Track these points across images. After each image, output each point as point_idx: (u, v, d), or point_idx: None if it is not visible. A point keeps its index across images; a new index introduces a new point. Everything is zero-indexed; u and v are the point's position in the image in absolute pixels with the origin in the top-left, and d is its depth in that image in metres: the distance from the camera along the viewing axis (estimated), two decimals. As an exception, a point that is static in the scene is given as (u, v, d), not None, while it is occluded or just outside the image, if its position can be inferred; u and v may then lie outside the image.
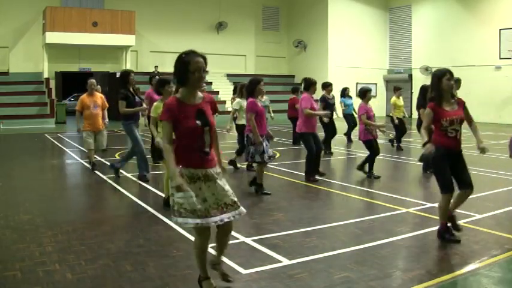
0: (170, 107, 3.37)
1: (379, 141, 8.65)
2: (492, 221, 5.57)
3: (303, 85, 8.44)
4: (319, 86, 9.35)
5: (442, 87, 4.71)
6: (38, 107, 22.53)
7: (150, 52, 26.08)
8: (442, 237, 4.83)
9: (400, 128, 12.37)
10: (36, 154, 12.73)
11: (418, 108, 8.44)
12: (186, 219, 3.38)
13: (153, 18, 25.74)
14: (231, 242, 4.11)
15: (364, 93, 8.29)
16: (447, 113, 4.70)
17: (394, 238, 4.94)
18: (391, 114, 12.60)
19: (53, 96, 23.66)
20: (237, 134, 10.02)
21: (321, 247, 4.67)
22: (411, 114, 23.73)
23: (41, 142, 15.18)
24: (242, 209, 3.53)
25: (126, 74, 8.17)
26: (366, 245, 4.71)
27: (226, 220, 3.43)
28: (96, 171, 8.96)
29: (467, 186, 4.78)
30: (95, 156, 9.45)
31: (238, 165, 9.34)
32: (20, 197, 7.16)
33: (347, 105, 13.89)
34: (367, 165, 8.40)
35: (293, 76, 29.85)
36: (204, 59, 3.40)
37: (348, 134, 14.14)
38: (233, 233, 4.14)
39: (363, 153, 10.74)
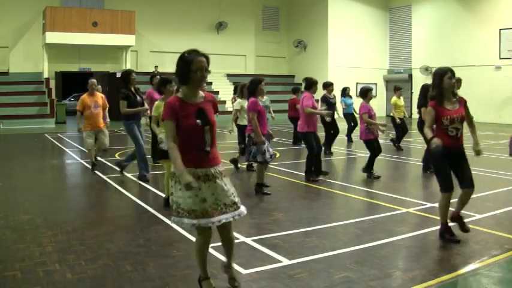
0: (172, 105, 3.36)
1: (380, 140, 8.64)
2: (492, 221, 5.57)
3: (304, 84, 8.45)
4: (320, 86, 9.35)
5: (443, 85, 4.71)
6: (38, 107, 22.54)
7: (150, 52, 26.10)
8: (442, 237, 4.83)
9: (402, 128, 12.39)
10: (36, 154, 12.73)
11: (419, 107, 8.44)
12: (182, 219, 3.38)
13: (153, 18, 25.74)
14: (231, 242, 4.10)
15: (366, 93, 8.29)
16: (448, 112, 4.70)
17: (394, 238, 4.94)
18: (391, 114, 12.61)
19: (53, 96, 23.67)
20: (237, 134, 10.02)
21: (321, 247, 4.67)
22: (411, 114, 23.73)
23: (41, 142, 15.18)
24: (242, 210, 3.50)
25: (127, 73, 8.17)
26: (366, 245, 4.71)
27: (224, 221, 3.40)
28: (96, 171, 8.96)
29: (467, 185, 4.78)
30: (97, 157, 9.45)
31: (239, 165, 9.34)
32: (20, 197, 7.17)
33: (347, 105, 13.90)
34: (374, 170, 8.41)
35: (293, 76, 29.86)
36: (207, 58, 3.40)
37: (348, 134, 14.14)
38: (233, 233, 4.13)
39: (363, 153, 10.74)
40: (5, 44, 23.46)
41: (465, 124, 4.86)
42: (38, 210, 6.29)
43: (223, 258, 4.17)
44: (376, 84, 27.94)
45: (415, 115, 10.96)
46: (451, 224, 4.90)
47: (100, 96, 9.24)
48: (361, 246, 4.69)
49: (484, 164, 9.33)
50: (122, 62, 25.16)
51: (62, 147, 13.57)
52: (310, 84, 8.21)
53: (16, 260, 4.31)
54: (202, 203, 3.35)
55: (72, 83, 28.31)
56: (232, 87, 14.83)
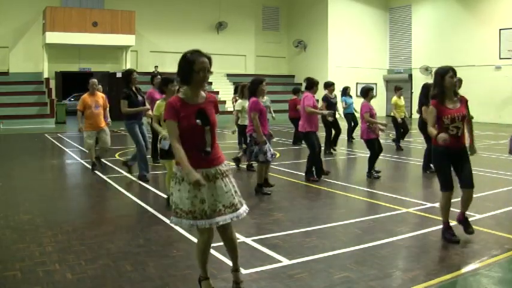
0: (173, 106, 3.35)
1: (382, 141, 8.64)
2: (492, 221, 5.57)
3: (305, 85, 8.45)
4: (321, 86, 9.36)
5: (445, 84, 4.72)
6: (38, 107, 22.53)
7: (150, 52, 26.09)
8: (443, 236, 4.84)
9: (403, 128, 12.40)
10: (36, 154, 12.73)
11: (420, 106, 8.44)
12: (180, 220, 3.37)
13: (153, 18, 25.74)
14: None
15: (367, 92, 8.29)
16: (449, 111, 4.70)
17: (394, 238, 4.94)
18: (392, 114, 12.61)
19: (53, 96, 23.66)
20: (237, 134, 10.03)
21: (321, 247, 4.67)
22: (411, 114, 23.72)
23: (41, 142, 15.18)
24: (241, 211, 3.46)
25: (128, 73, 8.16)
26: (366, 245, 4.71)
27: (221, 223, 3.37)
28: (96, 171, 8.96)
29: (466, 185, 4.78)
30: (101, 158, 9.45)
31: (240, 164, 9.35)
32: (20, 197, 7.17)
33: (348, 104, 13.91)
34: (375, 166, 8.42)
35: (293, 76, 29.87)
36: (209, 59, 3.39)
37: (348, 134, 14.15)
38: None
39: (363, 153, 10.74)
40: (5, 44, 23.46)
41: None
42: (38, 210, 6.29)
43: (223, 258, 4.19)
44: (376, 84, 27.94)
45: (415, 115, 10.94)
46: (452, 223, 4.90)
47: (101, 96, 9.24)
48: (361, 246, 4.69)
49: (484, 164, 9.33)
50: (122, 62, 25.16)
51: (62, 147, 13.57)
52: (311, 84, 8.22)
53: (16, 260, 4.31)
54: (201, 204, 3.33)
55: (72, 83, 28.30)
56: (232, 87, 14.86)
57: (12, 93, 22.32)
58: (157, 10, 26.03)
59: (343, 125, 13.93)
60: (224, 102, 23.77)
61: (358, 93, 10.53)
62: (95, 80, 9.23)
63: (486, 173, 8.75)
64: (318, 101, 9.46)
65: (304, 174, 8.25)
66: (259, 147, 6.99)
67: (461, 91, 7.60)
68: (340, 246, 4.69)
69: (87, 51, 24.87)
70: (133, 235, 5.15)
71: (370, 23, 28.68)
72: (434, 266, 4.29)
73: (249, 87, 7.36)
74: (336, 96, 12.27)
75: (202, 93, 3.49)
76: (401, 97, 12.65)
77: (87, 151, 9.40)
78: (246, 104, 8.00)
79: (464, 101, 4.85)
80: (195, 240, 4.60)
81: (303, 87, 11.44)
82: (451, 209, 4.90)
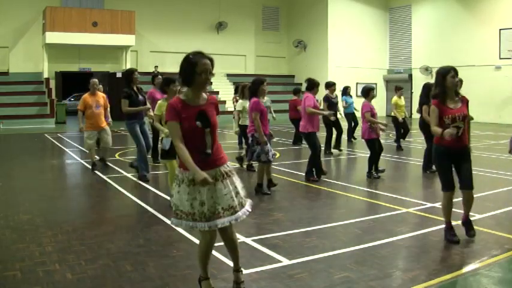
0: (174, 107, 3.35)
1: (382, 140, 8.65)
2: (492, 221, 5.57)
3: (306, 85, 8.46)
4: (321, 86, 9.35)
5: (446, 84, 4.72)
6: (38, 107, 22.53)
7: (150, 52, 26.09)
8: (444, 236, 4.84)
9: (403, 128, 12.41)
10: (36, 154, 12.73)
11: (420, 106, 8.44)
12: (180, 221, 3.37)
13: (153, 18, 25.74)
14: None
15: (368, 92, 8.30)
16: (450, 111, 4.70)
17: (394, 238, 4.94)
18: (392, 114, 12.62)
19: (53, 96, 23.66)
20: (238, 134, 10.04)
21: (321, 247, 4.67)
22: (411, 114, 23.73)
23: (41, 142, 15.17)
24: (240, 214, 3.43)
25: (129, 72, 8.15)
26: (366, 245, 4.71)
27: (220, 226, 3.36)
28: (96, 171, 8.96)
29: (465, 186, 4.78)
30: (104, 158, 9.45)
31: (243, 164, 9.36)
32: (20, 197, 7.17)
33: (348, 104, 13.92)
34: (379, 165, 8.43)
35: (293, 76, 29.86)
36: (211, 61, 3.39)
37: (348, 134, 14.16)
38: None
39: (363, 153, 10.74)
40: (5, 44, 23.46)
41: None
42: (38, 210, 6.28)
43: (223, 258, 4.19)
44: (376, 84, 27.93)
45: (416, 115, 10.95)
46: (454, 223, 4.90)
47: (101, 96, 9.24)
48: (361, 246, 4.69)
49: (484, 164, 9.33)
50: (122, 62, 25.15)
51: (62, 147, 13.57)
52: (312, 85, 8.22)
53: (16, 260, 4.31)
54: (200, 206, 3.32)
55: (72, 83, 28.29)
56: (232, 87, 14.86)
57: (12, 93, 22.32)
58: (157, 10, 26.03)
59: (344, 124, 13.95)
60: (224, 102, 23.76)
61: (359, 94, 10.53)
62: (96, 80, 9.23)
63: (486, 173, 8.75)
64: (318, 101, 9.46)
65: (304, 174, 8.25)
66: (261, 148, 7.00)
67: (461, 91, 7.61)
68: (340, 246, 4.68)
69: (87, 51, 24.87)
70: (133, 235, 5.15)
71: (370, 23, 28.68)
72: (434, 266, 4.29)
73: (250, 87, 7.36)
74: (337, 96, 12.28)
75: (204, 95, 3.49)
76: (402, 97, 12.66)
77: (87, 151, 9.39)
78: (247, 104, 8.00)
79: (465, 101, 4.85)
80: (195, 240, 4.61)
81: (303, 88, 11.45)
82: (453, 209, 4.90)
